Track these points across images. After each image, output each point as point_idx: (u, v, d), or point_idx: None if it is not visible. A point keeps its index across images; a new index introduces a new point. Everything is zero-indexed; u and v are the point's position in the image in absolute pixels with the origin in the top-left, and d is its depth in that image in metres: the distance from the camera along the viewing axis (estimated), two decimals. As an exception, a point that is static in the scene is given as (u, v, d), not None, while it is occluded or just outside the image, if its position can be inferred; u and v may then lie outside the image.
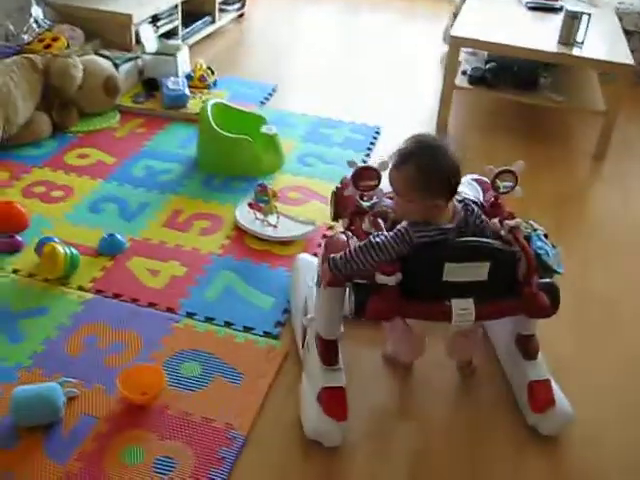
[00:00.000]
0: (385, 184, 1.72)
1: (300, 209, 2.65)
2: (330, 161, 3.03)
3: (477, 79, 3.43)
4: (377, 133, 3.32)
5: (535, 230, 1.69)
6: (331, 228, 2.49)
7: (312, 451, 1.73)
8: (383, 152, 3.09)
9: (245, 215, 2.52)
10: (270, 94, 3.65)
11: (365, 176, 1.74)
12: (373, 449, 1.76)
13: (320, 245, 2.10)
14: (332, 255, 1.67)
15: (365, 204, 1.79)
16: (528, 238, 1.65)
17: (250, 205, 2.49)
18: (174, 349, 1.98)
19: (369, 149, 3.18)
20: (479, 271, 1.57)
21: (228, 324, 2.10)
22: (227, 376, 1.91)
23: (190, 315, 2.11)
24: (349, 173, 1.90)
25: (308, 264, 2.21)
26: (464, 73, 3.49)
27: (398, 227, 1.61)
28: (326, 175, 2.89)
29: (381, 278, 1.57)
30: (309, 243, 2.47)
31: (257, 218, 2.50)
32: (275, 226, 2.48)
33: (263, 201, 2.47)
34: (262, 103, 3.53)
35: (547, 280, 1.66)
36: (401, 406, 1.91)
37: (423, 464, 1.75)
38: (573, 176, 3.17)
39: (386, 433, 1.82)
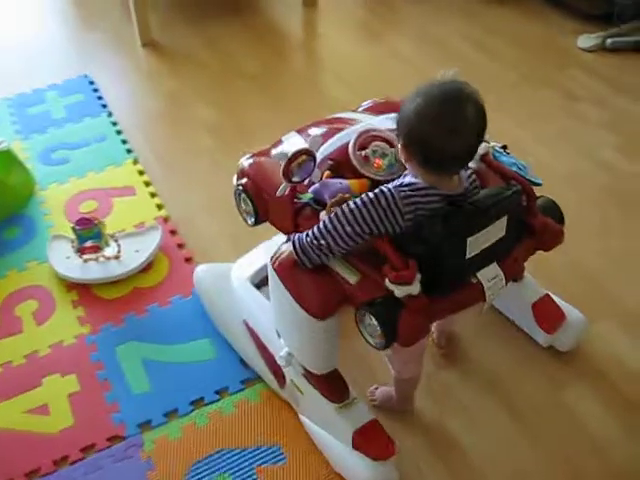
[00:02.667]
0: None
1: (115, 217, 2.05)
2: (82, 142, 2.35)
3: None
4: (92, 84, 2.65)
5: (490, 145, 1.46)
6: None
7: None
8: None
9: (74, 266, 1.86)
10: None
11: (297, 166, 1.31)
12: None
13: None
14: (296, 234, 1.29)
15: (305, 197, 1.34)
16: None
17: (82, 252, 1.83)
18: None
19: (104, 106, 2.53)
20: (498, 228, 1.28)
21: (196, 403, 1.59)
22: (264, 460, 1.48)
23: (144, 427, 1.55)
24: (243, 159, 1.50)
25: (218, 274, 1.75)
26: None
27: (381, 187, 1.24)
28: (97, 161, 2.27)
29: (402, 289, 1.18)
30: (170, 252, 1.95)
31: (98, 261, 1.86)
32: (118, 256, 1.88)
33: (95, 237, 1.83)
34: None
35: (541, 200, 1.41)
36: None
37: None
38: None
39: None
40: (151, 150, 2.34)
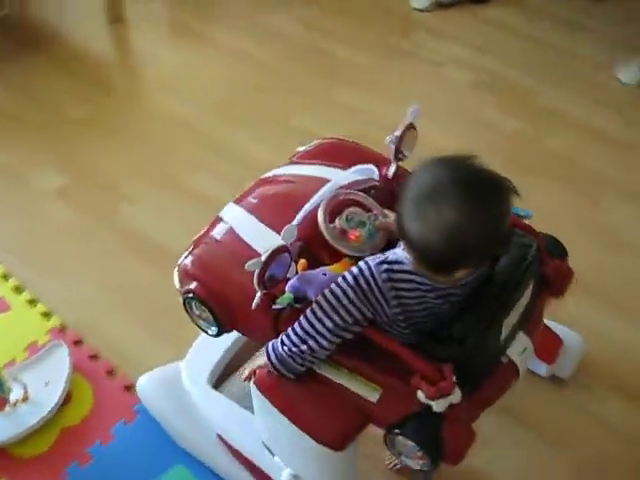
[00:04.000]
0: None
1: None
2: None
3: None
4: None
5: None
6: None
7: None
8: None
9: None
10: None
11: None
12: None
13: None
14: (270, 343, 1.08)
15: (284, 301, 1.08)
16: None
17: (-16, 414, 1.43)
18: None
19: None
20: (526, 296, 1.13)
21: None
22: None
23: None
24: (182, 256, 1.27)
25: (167, 380, 1.48)
26: None
27: (359, 265, 1.03)
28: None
29: (442, 403, 1.00)
30: (86, 369, 1.59)
31: (4, 412, 1.47)
32: (26, 397, 1.50)
33: (-6, 390, 1.43)
34: None
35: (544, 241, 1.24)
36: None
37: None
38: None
39: None
40: (4, 246, 1.90)
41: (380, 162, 1.33)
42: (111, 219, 1.96)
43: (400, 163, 1.31)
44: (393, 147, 1.27)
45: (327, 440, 1.08)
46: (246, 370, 1.15)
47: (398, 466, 1.41)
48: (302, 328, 1.05)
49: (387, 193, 1.28)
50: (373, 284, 1.00)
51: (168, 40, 2.72)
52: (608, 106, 2.32)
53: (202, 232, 1.29)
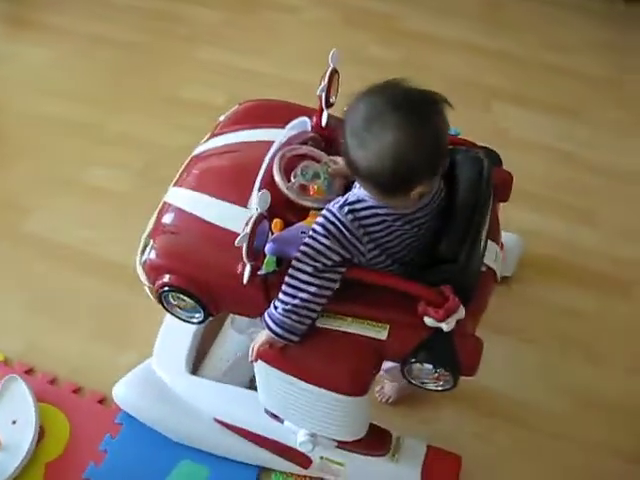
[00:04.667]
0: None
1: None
2: None
3: None
4: None
5: None
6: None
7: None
8: None
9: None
10: None
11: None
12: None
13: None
14: (266, 313, 1.09)
15: (269, 267, 1.07)
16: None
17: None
18: None
19: None
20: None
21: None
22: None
23: None
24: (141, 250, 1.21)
25: (143, 382, 1.44)
26: None
27: (324, 214, 1.05)
28: None
29: (451, 322, 1.03)
30: (48, 396, 1.50)
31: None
32: (-4, 444, 1.40)
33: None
34: None
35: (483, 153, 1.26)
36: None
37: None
38: None
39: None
40: None
41: (309, 113, 1.33)
42: (16, 237, 1.82)
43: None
44: (323, 95, 1.27)
45: (349, 389, 1.10)
46: (250, 350, 1.14)
47: (390, 400, 1.48)
48: (289, 285, 1.05)
49: (324, 141, 1.29)
50: (342, 227, 1.02)
51: (11, 36, 2.49)
52: (470, 18, 2.44)
53: (154, 223, 1.23)
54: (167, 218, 1.21)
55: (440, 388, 1.13)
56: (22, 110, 2.19)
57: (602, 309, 1.66)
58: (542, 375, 1.55)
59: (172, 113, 2.12)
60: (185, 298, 1.17)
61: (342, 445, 1.27)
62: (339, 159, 1.20)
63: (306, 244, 1.04)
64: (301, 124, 1.31)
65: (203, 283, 1.14)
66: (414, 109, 0.97)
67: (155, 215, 1.25)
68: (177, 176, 1.29)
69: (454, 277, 1.06)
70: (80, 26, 2.46)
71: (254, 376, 1.21)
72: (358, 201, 1.04)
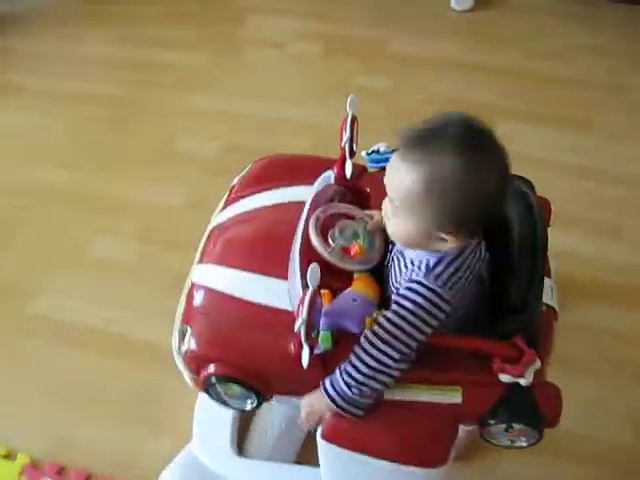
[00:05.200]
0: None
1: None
2: None
3: None
4: None
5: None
6: None
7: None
8: None
9: None
10: None
11: None
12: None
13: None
14: (325, 384, 1.01)
15: (325, 343, 1.01)
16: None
17: None
18: None
19: None
20: None
21: None
22: None
23: None
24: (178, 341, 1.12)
25: (190, 468, 1.33)
26: None
27: (414, 289, 0.96)
28: None
29: (528, 376, 0.98)
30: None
31: None
32: None
33: None
34: None
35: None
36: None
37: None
38: None
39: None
40: None
41: (329, 165, 1.26)
42: (22, 323, 1.71)
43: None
44: (347, 147, 1.20)
45: (431, 461, 1.03)
46: (303, 425, 1.05)
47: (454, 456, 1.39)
48: (367, 365, 0.97)
49: (350, 194, 1.22)
50: (436, 299, 0.95)
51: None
52: (456, 35, 2.40)
53: (184, 307, 1.15)
54: (199, 300, 1.12)
55: (525, 444, 1.05)
56: (9, 181, 2.09)
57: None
58: (600, 405, 1.49)
59: (166, 168, 2.03)
60: (234, 388, 1.08)
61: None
62: (374, 212, 1.13)
63: (390, 322, 0.96)
64: (327, 179, 1.24)
65: (253, 368, 1.05)
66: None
67: (184, 297, 1.16)
68: (199, 252, 1.21)
69: (522, 326, 0.99)
70: (60, 86, 2.38)
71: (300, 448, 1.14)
72: (439, 261, 0.97)
